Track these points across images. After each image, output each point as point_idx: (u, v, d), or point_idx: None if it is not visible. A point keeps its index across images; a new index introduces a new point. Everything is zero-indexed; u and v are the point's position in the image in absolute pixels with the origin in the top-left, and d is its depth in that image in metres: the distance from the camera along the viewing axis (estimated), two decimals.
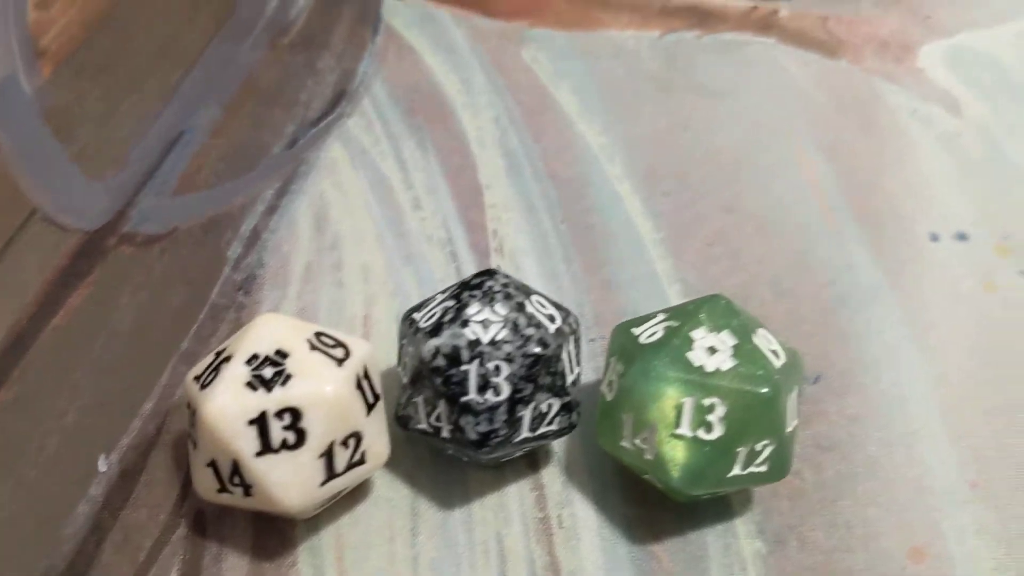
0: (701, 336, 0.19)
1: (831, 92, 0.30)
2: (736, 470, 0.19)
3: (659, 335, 0.19)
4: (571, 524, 0.21)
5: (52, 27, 0.31)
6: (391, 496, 0.21)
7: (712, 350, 0.19)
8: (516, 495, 0.21)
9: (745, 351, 0.19)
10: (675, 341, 0.19)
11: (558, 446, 0.22)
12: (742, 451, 0.19)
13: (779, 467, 0.19)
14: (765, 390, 0.18)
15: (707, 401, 0.18)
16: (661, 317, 0.20)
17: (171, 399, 0.22)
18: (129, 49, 0.30)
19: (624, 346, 0.20)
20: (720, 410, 0.18)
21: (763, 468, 0.19)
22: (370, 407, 0.19)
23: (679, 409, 0.18)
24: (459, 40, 0.32)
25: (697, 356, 0.19)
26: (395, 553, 0.20)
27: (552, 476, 0.21)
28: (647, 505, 0.21)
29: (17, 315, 0.23)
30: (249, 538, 0.20)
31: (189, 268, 0.24)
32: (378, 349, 0.21)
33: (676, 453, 0.19)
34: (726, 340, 0.19)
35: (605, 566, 0.20)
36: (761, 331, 0.19)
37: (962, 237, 0.26)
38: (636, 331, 0.20)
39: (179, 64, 0.30)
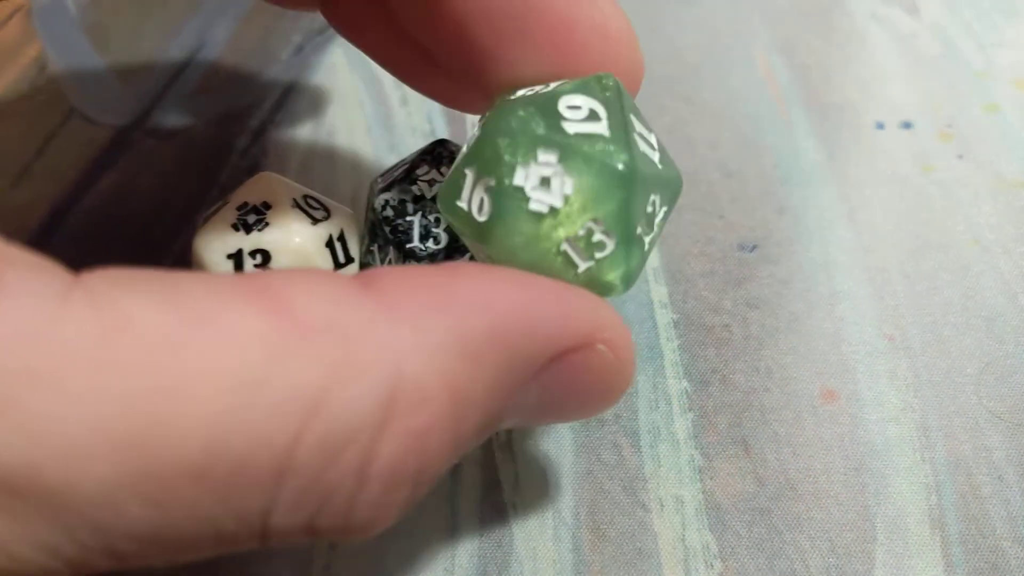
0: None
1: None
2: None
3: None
4: None
5: None
6: None
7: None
8: None
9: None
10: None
11: None
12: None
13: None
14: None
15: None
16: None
17: (185, 262, 0.25)
18: None
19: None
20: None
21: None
22: (339, 265, 0.22)
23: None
24: None
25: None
26: None
27: None
28: None
29: (57, 195, 0.27)
30: None
31: (202, 157, 0.28)
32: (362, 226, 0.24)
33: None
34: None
35: None
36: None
37: (907, 125, 0.28)
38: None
39: None
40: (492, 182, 0.16)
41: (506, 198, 0.16)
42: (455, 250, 0.22)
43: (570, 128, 0.16)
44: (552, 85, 0.17)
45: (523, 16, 0.16)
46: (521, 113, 0.16)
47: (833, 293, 0.25)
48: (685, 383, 0.23)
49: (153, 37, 0.31)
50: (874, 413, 0.23)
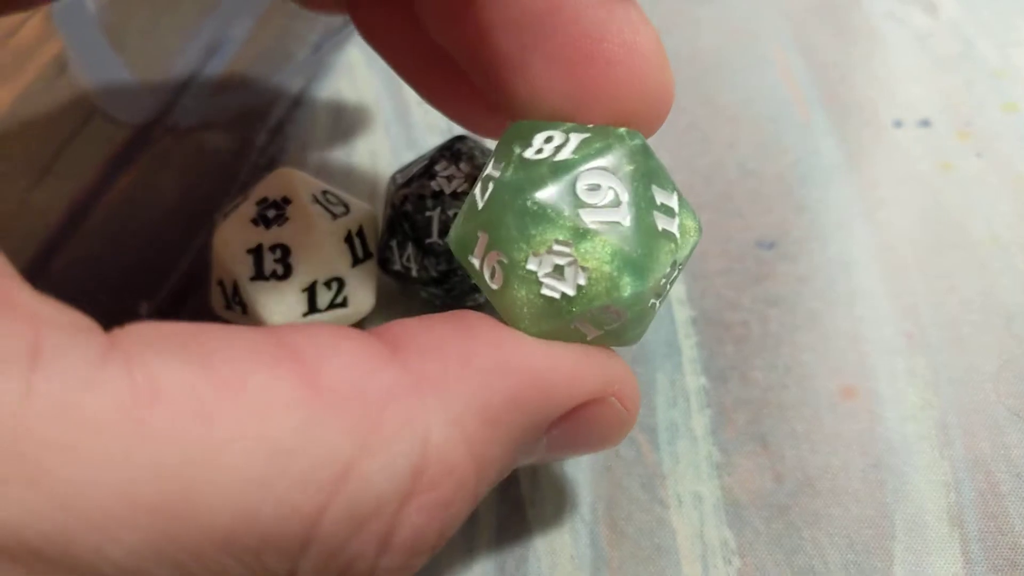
0: None
1: None
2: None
3: None
4: None
5: None
6: None
7: None
8: None
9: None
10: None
11: None
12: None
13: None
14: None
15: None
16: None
17: (204, 259, 0.26)
18: None
19: None
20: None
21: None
22: (357, 260, 0.22)
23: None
24: None
25: None
26: None
27: None
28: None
29: (78, 192, 0.27)
30: None
31: (222, 154, 0.28)
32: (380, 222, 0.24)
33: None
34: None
35: None
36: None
37: (925, 124, 0.28)
38: None
39: None
40: (504, 260, 0.16)
41: (518, 278, 0.16)
42: None
43: (588, 217, 0.15)
44: (572, 142, 0.16)
45: (550, 25, 0.16)
46: (539, 197, 0.15)
47: (851, 291, 0.24)
48: (703, 380, 0.23)
49: (172, 36, 0.31)
50: (893, 410, 0.22)
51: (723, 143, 0.28)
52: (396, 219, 0.22)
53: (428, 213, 0.22)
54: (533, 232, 0.15)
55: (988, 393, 0.23)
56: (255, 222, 0.21)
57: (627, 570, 0.20)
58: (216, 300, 0.22)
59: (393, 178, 0.23)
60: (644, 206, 0.16)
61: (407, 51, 0.22)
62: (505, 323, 0.16)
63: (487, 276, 0.16)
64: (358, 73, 0.30)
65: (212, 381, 0.12)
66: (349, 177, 0.27)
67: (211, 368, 0.12)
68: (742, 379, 0.23)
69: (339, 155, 0.28)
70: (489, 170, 0.17)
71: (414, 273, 0.22)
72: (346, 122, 0.29)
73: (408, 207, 0.22)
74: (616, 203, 0.15)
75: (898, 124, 0.28)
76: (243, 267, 0.21)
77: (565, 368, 0.16)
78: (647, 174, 0.16)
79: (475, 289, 0.22)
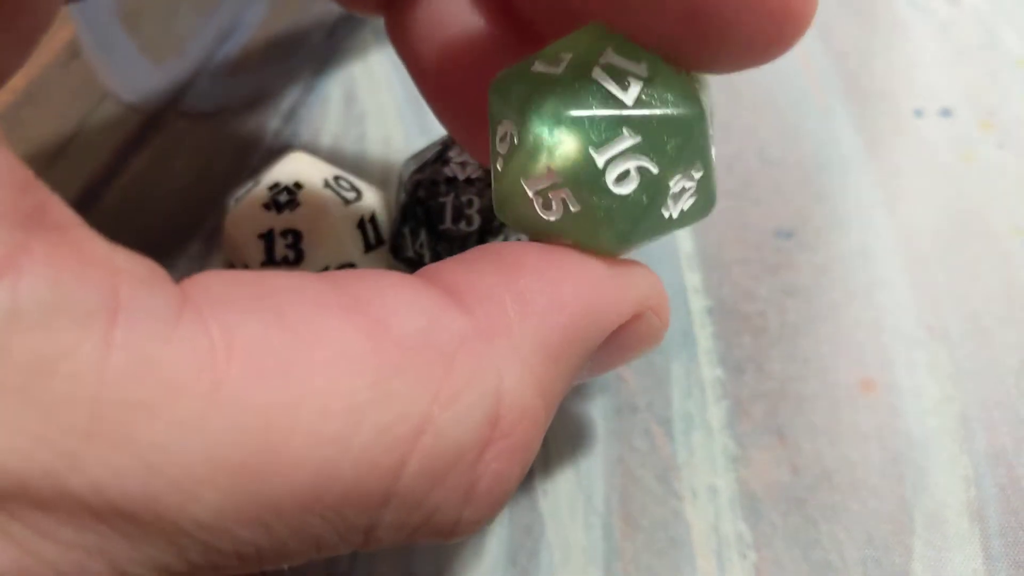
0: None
1: None
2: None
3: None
4: None
5: None
6: None
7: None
8: None
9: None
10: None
11: None
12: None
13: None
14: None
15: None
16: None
17: (216, 244, 0.25)
18: None
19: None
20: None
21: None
22: (370, 246, 0.22)
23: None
24: None
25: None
26: None
27: None
28: None
29: (91, 174, 0.27)
30: None
31: (235, 138, 0.28)
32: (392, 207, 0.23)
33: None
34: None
35: (577, 385, 0.23)
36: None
37: (946, 113, 0.27)
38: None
39: None
40: (654, 169, 0.15)
41: (660, 191, 0.15)
42: (487, 232, 0.21)
43: (713, 153, 0.16)
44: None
45: None
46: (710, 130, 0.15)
47: (871, 282, 0.24)
48: (719, 371, 0.23)
49: (186, 19, 0.31)
50: (913, 404, 0.22)
51: (742, 130, 0.27)
52: (409, 205, 0.22)
53: (442, 199, 0.21)
54: (685, 149, 0.15)
55: (1010, 387, 0.22)
56: (267, 207, 0.21)
57: (640, 563, 0.20)
58: None
59: (406, 164, 0.23)
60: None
61: (433, 64, 0.21)
62: (582, 242, 0.15)
63: (610, 179, 0.15)
64: (372, 58, 0.30)
65: (285, 335, 0.12)
66: (362, 163, 0.27)
67: (284, 320, 0.12)
68: (759, 370, 0.23)
69: (352, 140, 0.28)
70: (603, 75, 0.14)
71: (427, 260, 0.22)
72: (359, 107, 0.28)
73: (421, 193, 0.21)
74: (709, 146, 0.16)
75: (919, 113, 0.27)
76: (254, 252, 0.21)
77: (609, 292, 0.16)
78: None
79: None
